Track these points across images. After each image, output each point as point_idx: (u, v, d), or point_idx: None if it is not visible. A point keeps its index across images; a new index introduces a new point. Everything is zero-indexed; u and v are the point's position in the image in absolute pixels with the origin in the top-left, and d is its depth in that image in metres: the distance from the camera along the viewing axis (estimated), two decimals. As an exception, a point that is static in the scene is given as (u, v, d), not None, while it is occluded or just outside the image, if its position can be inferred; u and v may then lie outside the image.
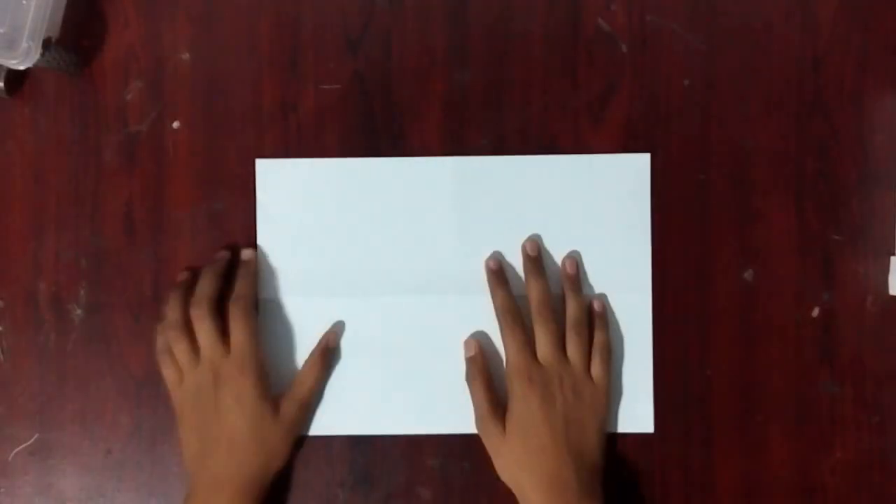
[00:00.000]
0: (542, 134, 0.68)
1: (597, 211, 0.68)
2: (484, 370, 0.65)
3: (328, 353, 0.67)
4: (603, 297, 0.67)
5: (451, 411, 0.67)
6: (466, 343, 0.67)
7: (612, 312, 0.68)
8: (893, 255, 0.68)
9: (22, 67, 0.64)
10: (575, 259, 0.67)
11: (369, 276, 0.68)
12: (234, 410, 0.63)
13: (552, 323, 0.64)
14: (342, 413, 0.68)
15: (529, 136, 0.68)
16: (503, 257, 0.68)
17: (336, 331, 0.67)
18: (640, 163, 0.68)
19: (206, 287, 0.65)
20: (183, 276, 0.67)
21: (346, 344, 0.68)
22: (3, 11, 0.64)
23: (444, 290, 0.67)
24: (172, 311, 0.65)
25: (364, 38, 0.69)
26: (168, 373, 0.65)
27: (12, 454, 0.68)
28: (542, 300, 0.65)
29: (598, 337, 0.66)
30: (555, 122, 0.69)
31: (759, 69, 0.69)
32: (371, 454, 0.68)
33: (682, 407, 0.68)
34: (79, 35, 0.69)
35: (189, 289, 0.66)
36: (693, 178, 0.69)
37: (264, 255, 0.68)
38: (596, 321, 0.66)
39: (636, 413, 0.67)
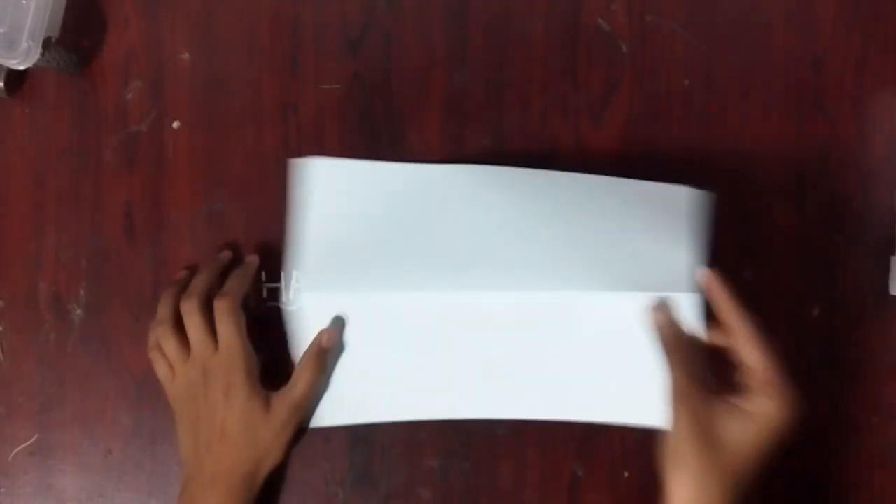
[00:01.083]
0: (542, 134, 0.68)
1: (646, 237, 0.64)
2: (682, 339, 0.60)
3: (322, 354, 0.65)
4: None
5: (453, 397, 0.66)
6: (659, 306, 0.62)
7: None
8: (893, 255, 0.68)
9: (22, 67, 0.64)
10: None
11: (402, 271, 0.65)
12: (225, 406, 0.63)
13: None
14: (341, 404, 0.66)
15: (529, 136, 0.68)
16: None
17: (335, 329, 0.65)
18: (698, 200, 0.63)
19: (199, 283, 0.65)
20: (180, 274, 0.68)
21: (365, 339, 0.66)
22: (3, 11, 0.64)
23: (469, 286, 0.65)
24: (163, 307, 0.65)
25: (364, 38, 0.69)
26: (160, 369, 0.65)
27: (12, 454, 0.68)
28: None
29: None
30: (555, 122, 0.69)
31: (759, 69, 0.69)
32: (371, 454, 0.68)
33: (682, 407, 0.68)
34: (79, 35, 0.69)
35: (184, 287, 0.66)
36: (693, 178, 0.68)
37: (301, 249, 0.65)
38: None
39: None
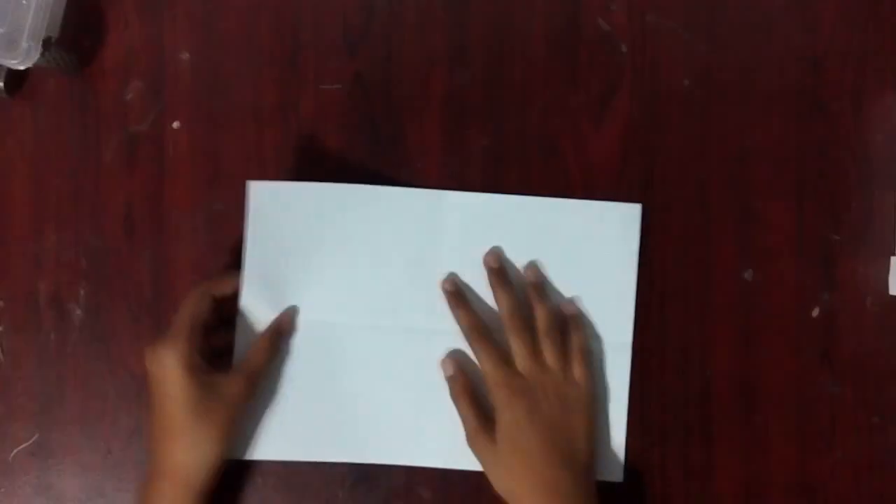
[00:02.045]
0: (542, 134, 0.68)
1: (585, 257, 0.67)
2: (467, 387, 0.65)
3: (277, 337, 0.66)
4: (575, 300, 0.67)
5: (414, 441, 0.67)
6: (444, 363, 0.66)
7: (594, 357, 0.67)
8: (893, 255, 0.68)
9: (22, 67, 0.64)
10: (536, 267, 0.67)
11: (349, 301, 0.66)
12: (168, 396, 0.61)
13: (525, 332, 0.64)
14: (275, 437, 0.66)
15: (529, 137, 0.68)
16: (458, 278, 0.67)
17: (290, 314, 0.66)
18: (631, 213, 0.67)
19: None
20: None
21: (311, 367, 0.66)
22: (3, 11, 0.64)
23: (426, 325, 0.66)
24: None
25: (364, 38, 0.69)
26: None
27: (12, 454, 0.68)
28: (512, 309, 0.65)
29: (574, 338, 0.66)
30: (555, 122, 0.69)
31: (759, 69, 0.69)
32: (371, 454, 0.68)
33: (682, 407, 0.68)
34: (79, 35, 0.69)
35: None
36: (693, 178, 0.69)
37: (251, 272, 0.66)
38: (570, 323, 0.66)
39: (608, 461, 0.66)
